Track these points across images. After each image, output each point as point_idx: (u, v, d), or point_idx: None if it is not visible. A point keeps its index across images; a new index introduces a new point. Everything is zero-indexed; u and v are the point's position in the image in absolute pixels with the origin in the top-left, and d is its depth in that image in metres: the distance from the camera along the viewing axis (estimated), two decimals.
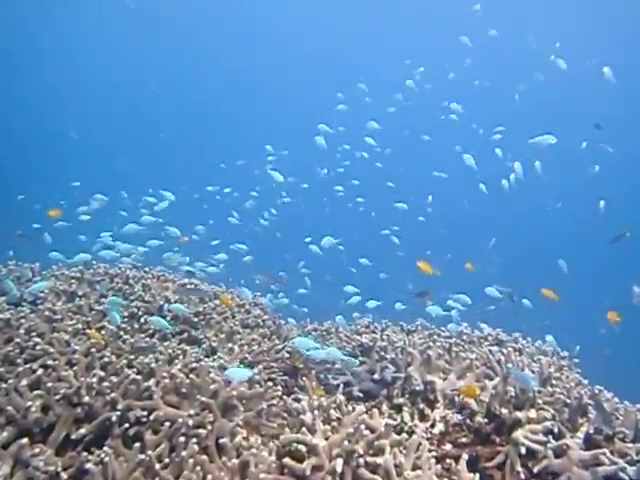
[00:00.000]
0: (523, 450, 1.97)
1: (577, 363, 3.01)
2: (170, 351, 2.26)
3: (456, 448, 2.09)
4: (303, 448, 1.65)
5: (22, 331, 2.19)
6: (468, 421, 2.21)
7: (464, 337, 3.27)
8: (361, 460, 1.55)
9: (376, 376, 2.52)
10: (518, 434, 2.03)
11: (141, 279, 3.27)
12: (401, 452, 1.63)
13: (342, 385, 2.47)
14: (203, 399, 1.92)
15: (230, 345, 2.65)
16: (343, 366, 2.56)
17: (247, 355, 2.62)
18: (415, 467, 1.63)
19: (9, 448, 1.64)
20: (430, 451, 1.87)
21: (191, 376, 2.01)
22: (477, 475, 1.78)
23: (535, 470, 1.97)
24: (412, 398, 2.38)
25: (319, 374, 2.82)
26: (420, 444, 1.74)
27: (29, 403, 1.75)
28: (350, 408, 1.84)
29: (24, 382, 1.83)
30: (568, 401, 2.15)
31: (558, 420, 2.06)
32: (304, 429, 1.66)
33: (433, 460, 1.70)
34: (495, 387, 2.25)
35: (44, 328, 2.31)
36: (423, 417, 2.28)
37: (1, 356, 1.98)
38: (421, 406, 2.31)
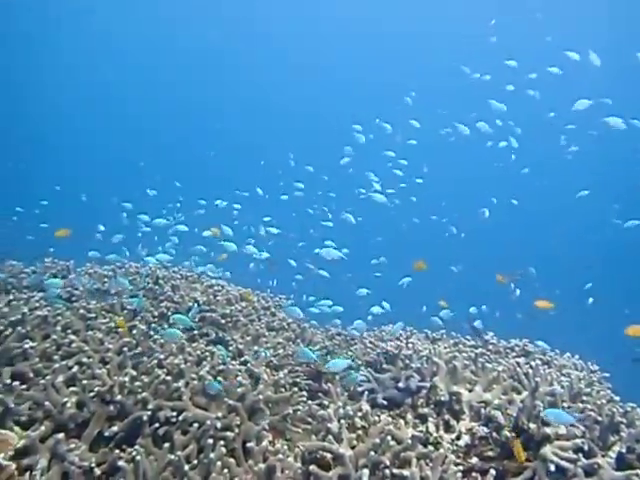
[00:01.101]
0: (552, 467, 1.93)
1: (607, 378, 2.94)
2: (198, 352, 2.30)
3: (482, 461, 2.07)
4: (329, 456, 1.67)
5: (59, 328, 2.26)
6: (495, 434, 2.19)
7: (490, 347, 3.24)
8: (387, 471, 1.55)
9: (401, 384, 2.51)
10: (547, 450, 2.00)
11: (170, 279, 3.34)
12: (427, 465, 1.63)
13: (366, 392, 2.47)
14: (230, 402, 1.95)
15: (256, 348, 2.69)
16: (344, 380, 2.58)
17: (272, 358, 2.65)
18: None
19: (46, 442, 1.69)
20: (456, 464, 1.85)
21: (218, 378, 2.05)
22: None
23: None
24: (437, 408, 2.37)
25: (343, 379, 2.82)
26: (446, 457, 1.73)
27: (65, 399, 1.81)
28: (376, 418, 1.84)
29: (60, 378, 1.90)
30: (599, 418, 2.10)
31: (589, 437, 2.02)
32: (330, 437, 1.67)
33: (460, 474, 1.69)
34: (523, 401, 2.22)
35: (79, 325, 2.38)
36: (448, 428, 2.26)
37: (39, 352, 2.05)
38: (446, 417, 2.30)
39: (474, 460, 2.03)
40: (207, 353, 2.32)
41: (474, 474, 1.95)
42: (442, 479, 1.61)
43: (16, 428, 1.73)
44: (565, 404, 2.14)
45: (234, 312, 3.05)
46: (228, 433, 1.84)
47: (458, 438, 2.17)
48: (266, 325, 3.17)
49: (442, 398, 2.37)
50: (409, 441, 1.60)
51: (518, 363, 2.65)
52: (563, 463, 1.92)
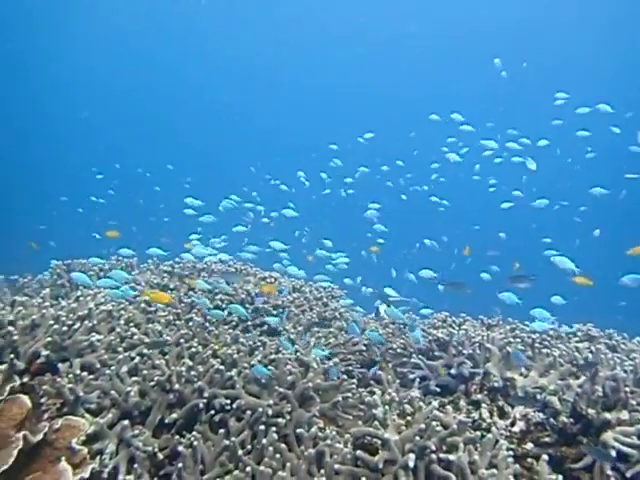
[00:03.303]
0: (614, 453, 1.86)
1: None
2: (251, 342, 2.38)
3: (538, 447, 2.02)
4: (377, 441, 1.69)
5: (122, 322, 2.42)
6: (552, 420, 2.12)
7: (550, 332, 3.12)
8: (434, 456, 1.55)
9: (453, 371, 2.48)
10: (608, 436, 1.92)
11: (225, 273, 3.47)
12: (476, 449, 1.61)
13: (418, 379, 2.47)
14: (281, 390, 2.02)
15: (307, 337, 2.74)
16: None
17: (324, 347, 2.69)
18: (491, 465, 1.61)
19: (114, 428, 1.83)
20: (509, 449, 1.82)
21: (270, 367, 2.12)
22: (560, 476, 1.72)
23: (628, 475, 1.86)
24: (491, 395, 2.33)
25: (396, 367, 2.83)
26: (497, 442, 1.71)
27: (129, 388, 1.94)
28: (422, 404, 1.84)
29: (124, 369, 2.04)
30: None
31: None
32: (376, 423, 1.69)
33: (511, 459, 1.66)
34: (581, 386, 2.14)
35: (140, 319, 2.54)
36: (503, 414, 2.22)
37: (105, 344, 2.21)
38: (500, 403, 2.25)
39: (529, 446, 1.99)
40: (259, 343, 2.40)
41: (529, 460, 1.91)
42: (491, 464, 1.59)
43: (87, 415, 1.88)
44: (628, 389, 2.03)
45: (286, 303, 3.13)
46: (279, 420, 1.91)
47: (513, 424, 2.13)
48: (318, 315, 3.22)
49: (496, 384, 2.33)
50: (455, 426, 1.59)
51: (577, 348, 2.55)
52: (626, 449, 1.84)
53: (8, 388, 1.80)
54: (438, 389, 2.50)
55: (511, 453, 1.69)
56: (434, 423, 1.60)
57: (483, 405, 2.27)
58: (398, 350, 2.88)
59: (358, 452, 1.60)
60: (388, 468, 1.56)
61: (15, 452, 1.58)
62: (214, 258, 3.85)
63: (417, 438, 1.57)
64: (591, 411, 2.00)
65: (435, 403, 1.84)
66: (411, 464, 1.52)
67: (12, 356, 1.88)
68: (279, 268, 3.94)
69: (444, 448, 1.60)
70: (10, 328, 1.97)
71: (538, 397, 2.20)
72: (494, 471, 1.54)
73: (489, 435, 1.69)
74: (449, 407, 1.80)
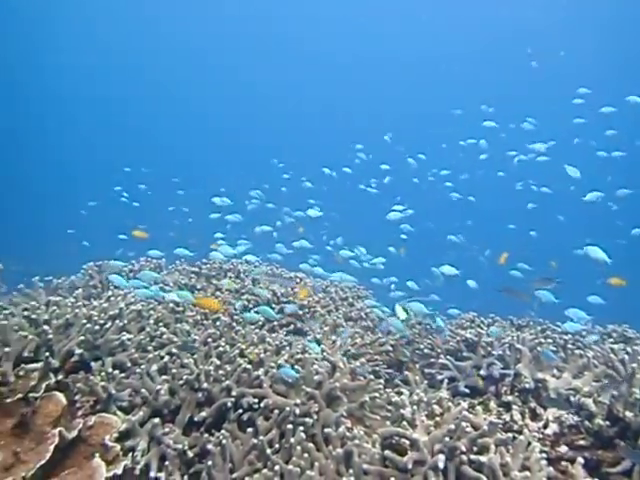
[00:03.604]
0: None
1: None
2: (277, 342, 2.39)
3: (573, 450, 1.97)
4: (406, 442, 1.67)
5: (151, 321, 2.46)
6: (587, 423, 2.06)
7: (584, 333, 3.04)
8: (464, 457, 1.53)
9: (482, 372, 2.44)
10: None
11: (251, 274, 3.50)
12: (507, 451, 1.58)
13: (447, 380, 2.44)
14: (308, 389, 2.01)
15: (333, 337, 2.74)
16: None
17: (350, 347, 2.69)
18: (523, 468, 1.57)
19: (145, 426, 1.86)
20: (542, 452, 1.78)
21: (296, 367, 2.12)
22: None
23: None
24: (522, 396, 2.28)
25: (423, 368, 2.80)
26: (529, 444, 1.67)
27: (159, 386, 1.97)
28: (450, 404, 1.81)
29: (154, 367, 2.07)
30: None
31: None
32: (404, 423, 1.67)
33: (544, 462, 1.62)
34: (618, 388, 2.07)
35: (169, 319, 2.58)
36: (535, 416, 2.17)
37: (135, 343, 2.25)
38: (532, 405, 2.20)
39: (563, 449, 1.94)
40: (285, 343, 2.41)
41: (563, 463, 1.86)
42: (524, 466, 1.56)
43: (119, 413, 1.92)
44: None
45: (312, 303, 3.13)
46: (307, 419, 1.91)
47: (545, 426, 2.08)
48: (344, 315, 3.22)
49: (527, 385, 2.28)
50: (485, 427, 1.56)
51: (612, 349, 2.48)
52: None
53: (44, 386, 1.86)
54: (467, 390, 2.47)
55: (544, 456, 1.65)
56: (464, 424, 1.57)
57: (514, 407, 2.22)
58: (425, 350, 2.85)
59: (386, 452, 1.59)
60: (417, 469, 1.54)
61: (51, 448, 1.62)
62: (240, 259, 3.89)
63: (446, 439, 1.55)
64: (629, 414, 1.94)
65: (464, 404, 1.81)
66: (441, 465, 1.49)
67: (47, 354, 1.94)
68: (305, 268, 3.95)
69: (474, 449, 1.57)
70: (45, 327, 2.02)
71: (572, 399, 2.14)
72: (527, 474, 1.50)
73: (521, 437, 1.65)
74: (479, 408, 1.77)
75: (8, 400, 1.78)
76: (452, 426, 1.57)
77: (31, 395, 1.81)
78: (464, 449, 1.53)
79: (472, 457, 1.53)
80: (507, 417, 2.19)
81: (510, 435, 1.63)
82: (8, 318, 2.14)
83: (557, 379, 2.26)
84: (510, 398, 2.29)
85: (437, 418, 1.83)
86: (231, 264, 3.67)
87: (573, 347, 2.49)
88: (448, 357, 2.64)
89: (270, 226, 5.63)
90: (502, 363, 2.44)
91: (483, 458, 1.51)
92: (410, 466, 1.53)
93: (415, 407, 1.72)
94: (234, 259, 3.80)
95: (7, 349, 1.92)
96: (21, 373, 1.89)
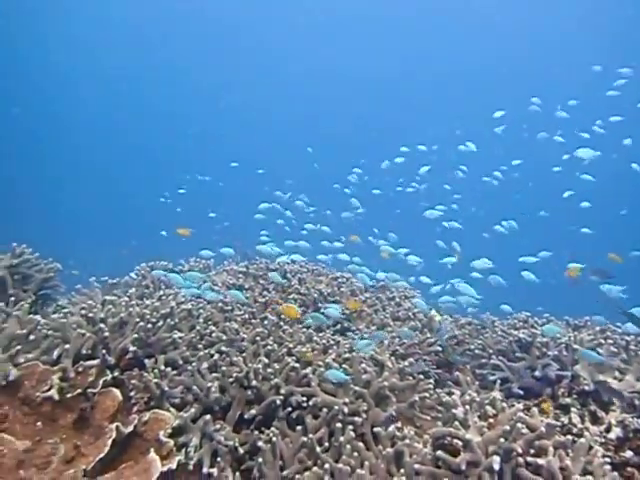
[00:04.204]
0: None
1: None
2: (325, 341, 2.39)
3: (639, 456, 1.85)
4: (458, 443, 1.63)
5: (201, 320, 2.52)
6: None
7: None
8: (521, 459, 1.47)
9: (537, 373, 2.35)
10: None
11: (297, 273, 3.51)
12: (567, 455, 1.50)
13: (499, 381, 2.35)
14: (356, 388, 2.00)
15: (380, 336, 2.70)
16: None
17: (398, 347, 2.65)
18: (585, 472, 1.49)
19: (197, 422, 1.90)
20: (605, 457, 1.69)
21: (344, 365, 2.11)
22: None
23: None
24: (581, 399, 2.17)
25: (474, 369, 2.72)
26: (591, 448, 1.58)
27: (210, 384, 2.01)
28: (504, 405, 1.75)
29: (205, 365, 2.11)
30: None
31: None
32: (456, 423, 1.63)
33: (608, 467, 1.53)
34: None
35: (218, 317, 2.63)
36: (595, 420, 2.06)
37: (186, 342, 2.30)
38: (592, 408, 2.10)
39: (628, 454, 1.83)
40: (332, 342, 2.40)
41: (629, 469, 1.76)
42: (586, 470, 1.48)
43: (172, 409, 1.97)
44: None
45: (358, 303, 3.11)
46: (356, 418, 1.89)
47: (608, 430, 1.97)
48: (391, 315, 3.18)
49: (586, 387, 2.17)
50: (543, 429, 1.50)
51: None
52: None
53: (101, 382, 1.93)
54: (521, 392, 2.38)
55: (608, 460, 1.56)
56: (519, 425, 1.51)
57: (573, 409, 2.12)
58: (476, 351, 2.77)
59: (439, 452, 1.55)
60: (471, 470, 1.49)
61: (109, 442, 1.68)
62: (286, 258, 3.91)
63: (501, 440, 1.50)
64: None
65: (519, 405, 1.74)
66: (496, 467, 1.44)
67: (104, 351, 2.01)
68: (352, 268, 3.93)
69: (531, 452, 1.51)
70: (101, 325, 2.10)
71: (636, 402, 2.02)
72: (589, 478, 1.42)
73: (582, 440, 1.57)
74: (535, 409, 1.69)
75: (69, 395, 1.86)
76: (507, 427, 1.51)
77: (89, 391, 1.88)
78: (520, 451, 1.47)
79: (529, 459, 1.46)
80: (565, 420, 2.09)
81: (570, 438, 1.55)
82: (67, 317, 2.25)
83: (619, 382, 2.14)
84: (568, 400, 2.19)
85: (490, 419, 1.77)
86: (277, 264, 3.70)
87: (636, 348, 2.36)
88: (500, 358, 2.56)
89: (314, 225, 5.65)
90: (558, 364, 2.34)
91: (541, 461, 1.45)
92: (464, 467, 1.48)
93: (467, 407, 1.67)
94: (281, 258, 3.83)
95: (67, 346, 2.01)
96: (80, 369, 1.97)
